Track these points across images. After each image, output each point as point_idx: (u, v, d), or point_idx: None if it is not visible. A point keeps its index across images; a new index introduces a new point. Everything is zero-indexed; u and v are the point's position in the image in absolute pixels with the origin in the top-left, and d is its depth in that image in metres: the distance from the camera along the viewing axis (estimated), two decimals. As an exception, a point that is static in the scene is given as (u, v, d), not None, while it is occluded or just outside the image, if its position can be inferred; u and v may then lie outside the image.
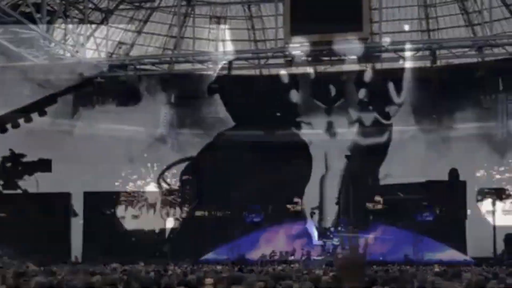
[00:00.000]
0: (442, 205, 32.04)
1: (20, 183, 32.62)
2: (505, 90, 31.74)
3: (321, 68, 31.76)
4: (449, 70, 30.76)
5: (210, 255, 32.19)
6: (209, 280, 7.89)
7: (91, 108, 33.19)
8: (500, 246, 30.49)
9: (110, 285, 8.65)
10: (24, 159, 32.21)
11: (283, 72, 30.18)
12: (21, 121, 30.67)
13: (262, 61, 30.30)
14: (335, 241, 30.74)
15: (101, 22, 31.22)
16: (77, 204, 32.70)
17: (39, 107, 31.43)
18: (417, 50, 28.11)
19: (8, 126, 30.58)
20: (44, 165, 31.82)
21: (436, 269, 13.91)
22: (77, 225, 32.64)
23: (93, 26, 30.37)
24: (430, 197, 31.99)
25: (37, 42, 25.57)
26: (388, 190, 32.78)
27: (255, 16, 34.52)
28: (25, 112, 30.69)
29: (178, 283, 9.28)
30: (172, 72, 29.54)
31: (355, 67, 31.28)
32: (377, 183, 33.75)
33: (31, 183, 32.05)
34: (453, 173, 31.71)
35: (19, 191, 32.45)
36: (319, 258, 29.37)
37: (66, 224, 32.46)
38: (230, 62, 27.55)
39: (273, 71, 33.73)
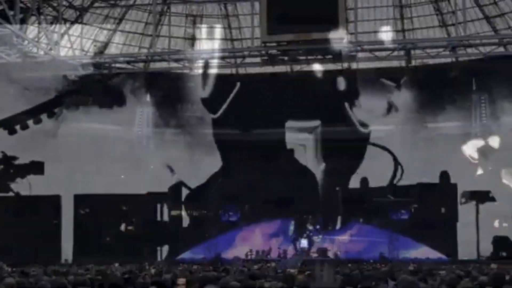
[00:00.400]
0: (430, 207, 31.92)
1: (12, 185, 32.47)
2: (478, 90, 32.13)
3: (297, 68, 31.82)
4: (424, 70, 31.03)
5: (186, 254, 32.15)
6: (181, 280, 7.83)
7: (66, 107, 32.90)
8: (488, 248, 30.65)
9: (83, 286, 8.55)
10: (17, 162, 32.05)
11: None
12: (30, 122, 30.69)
13: (239, 60, 30.24)
14: (316, 239, 30.76)
15: (76, 20, 30.88)
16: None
17: (48, 108, 31.37)
18: (393, 50, 28.27)
19: (17, 127, 30.55)
20: (36, 168, 31.70)
21: (410, 267, 14.03)
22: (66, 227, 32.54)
23: (68, 24, 30.03)
24: (421, 199, 31.97)
25: (10, 40, 25.16)
26: (377, 192, 32.69)
27: (231, 15, 34.46)
28: (34, 113, 30.55)
29: (152, 282, 9.21)
30: (148, 71, 29.33)
31: (331, 66, 31.40)
32: (366, 185, 33.55)
33: (24, 186, 31.94)
34: (444, 176, 31.64)
35: (11, 193, 32.29)
36: (296, 256, 29.41)
37: (57, 226, 32.25)
38: (206, 61, 27.43)
39: (250, 70, 33.77)
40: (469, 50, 28.22)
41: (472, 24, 30.70)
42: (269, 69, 31.51)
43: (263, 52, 27.69)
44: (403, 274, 8.99)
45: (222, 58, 29.43)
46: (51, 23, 27.95)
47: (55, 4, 28.16)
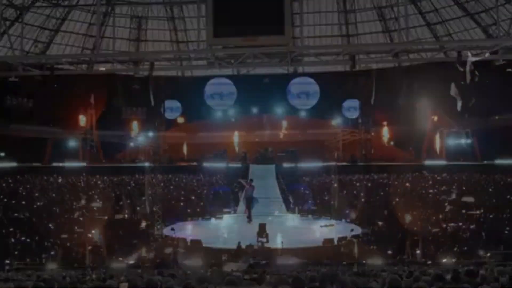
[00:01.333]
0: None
1: None
2: (419, 93, 33.03)
3: (244, 70, 31.86)
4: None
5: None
6: (123, 285, 7.70)
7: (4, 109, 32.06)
8: None
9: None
10: None
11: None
12: None
13: (185, 63, 30.04)
14: None
15: (16, 20, 30.04)
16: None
17: None
18: (337, 54, 28.66)
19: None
20: None
21: (354, 269, 14.23)
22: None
23: (7, 23, 29.18)
24: None
25: None
26: None
27: (177, 17, 34.24)
28: None
29: (97, 288, 9.05)
30: (92, 73, 28.74)
31: (278, 70, 31.63)
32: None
33: None
34: None
35: None
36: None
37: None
38: (151, 63, 27.06)
39: (196, 73, 33.63)
40: (411, 55, 28.88)
41: (414, 30, 31.51)
42: (215, 71, 31.42)
43: (209, 54, 27.56)
44: (347, 276, 9.11)
45: (168, 60, 29.13)
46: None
47: (-6, 3, 27.27)
